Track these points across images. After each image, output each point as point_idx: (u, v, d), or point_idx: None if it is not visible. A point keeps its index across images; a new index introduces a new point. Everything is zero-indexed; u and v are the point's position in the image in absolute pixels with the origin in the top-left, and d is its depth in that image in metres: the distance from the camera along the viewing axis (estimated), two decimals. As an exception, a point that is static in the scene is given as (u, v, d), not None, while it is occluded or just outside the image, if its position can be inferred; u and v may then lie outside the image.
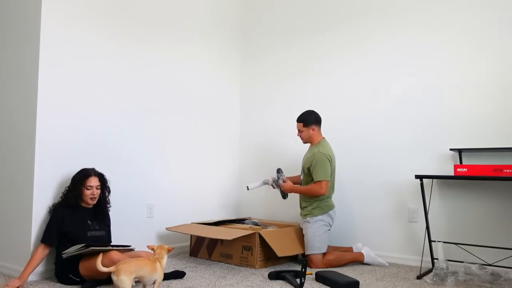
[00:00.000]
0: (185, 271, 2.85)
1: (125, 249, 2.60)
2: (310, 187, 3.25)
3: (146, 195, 3.42)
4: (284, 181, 3.37)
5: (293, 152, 3.94)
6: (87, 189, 2.70)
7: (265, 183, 3.50)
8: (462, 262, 2.95)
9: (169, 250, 2.40)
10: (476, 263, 2.79)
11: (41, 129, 2.76)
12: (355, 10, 3.71)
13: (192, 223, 3.61)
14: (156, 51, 3.54)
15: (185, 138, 3.78)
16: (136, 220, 3.33)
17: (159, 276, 2.29)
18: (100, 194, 2.77)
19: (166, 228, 3.42)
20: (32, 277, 2.66)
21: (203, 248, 3.43)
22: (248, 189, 3.50)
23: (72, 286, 2.55)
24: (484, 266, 2.78)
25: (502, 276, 2.67)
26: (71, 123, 2.92)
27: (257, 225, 3.65)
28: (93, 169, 2.79)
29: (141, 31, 3.42)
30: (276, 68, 4.17)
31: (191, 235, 3.53)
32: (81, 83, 2.99)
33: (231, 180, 4.26)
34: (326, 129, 3.53)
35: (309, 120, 3.31)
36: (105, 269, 2.15)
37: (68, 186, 2.74)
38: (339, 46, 3.78)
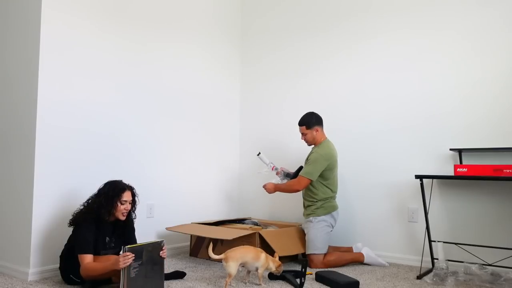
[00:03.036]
0: (185, 271, 2.85)
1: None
2: (289, 182, 3.30)
3: (146, 195, 3.41)
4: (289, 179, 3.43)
5: (293, 152, 3.94)
6: (122, 203, 2.56)
7: (271, 165, 3.50)
8: (462, 262, 2.95)
9: (277, 266, 2.63)
10: (476, 263, 2.80)
11: (41, 129, 2.76)
12: (355, 9, 3.71)
13: (192, 223, 3.62)
14: (157, 51, 3.54)
15: (185, 138, 3.79)
16: (136, 220, 3.32)
17: (261, 264, 2.57)
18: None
19: (166, 228, 3.42)
20: (31, 277, 2.67)
21: (203, 248, 3.43)
22: (258, 154, 3.54)
23: (73, 286, 2.55)
24: (484, 266, 2.78)
25: (502, 276, 2.67)
26: (71, 123, 2.92)
27: (257, 225, 3.65)
28: (122, 182, 2.63)
29: (141, 31, 3.42)
30: (277, 68, 4.17)
31: (191, 235, 3.53)
32: (81, 83, 2.99)
33: (231, 180, 4.26)
34: (326, 129, 3.53)
35: (311, 121, 3.31)
36: (216, 256, 2.50)
37: (98, 200, 2.54)
38: (339, 46, 3.78)
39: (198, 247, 3.47)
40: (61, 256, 2.61)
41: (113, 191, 2.56)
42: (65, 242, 2.65)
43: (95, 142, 3.06)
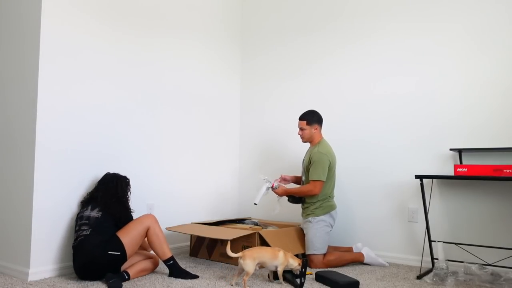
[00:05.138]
0: (198, 275, 2.83)
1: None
2: (303, 187, 3.26)
3: (146, 195, 3.42)
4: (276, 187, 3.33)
5: (293, 152, 3.94)
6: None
7: (267, 186, 3.32)
8: (462, 262, 2.95)
9: (299, 263, 2.63)
10: (476, 263, 2.80)
11: (41, 128, 2.75)
12: (357, 8, 3.71)
13: (192, 223, 3.62)
14: (157, 51, 3.54)
15: (185, 138, 3.79)
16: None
17: (281, 263, 2.59)
18: None
19: (166, 228, 3.41)
20: (31, 277, 2.67)
21: (203, 248, 3.43)
22: (256, 204, 3.32)
23: (73, 285, 2.56)
24: (484, 266, 2.78)
25: (502, 276, 2.67)
26: (70, 123, 2.92)
27: (257, 225, 3.65)
28: (115, 174, 3.02)
29: (142, 31, 3.42)
30: (277, 68, 4.17)
31: (191, 235, 3.53)
32: (81, 83, 2.99)
33: (231, 180, 4.26)
34: (326, 129, 3.53)
35: (312, 118, 3.30)
36: (234, 254, 2.57)
37: (127, 192, 2.94)
38: (340, 46, 3.78)
39: (198, 247, 3.47)
40: (90, 244, 2.56)
41: (125, 182, 2.95)
42: (65, 241, 2.66)
43: (95, 143, 3.06)
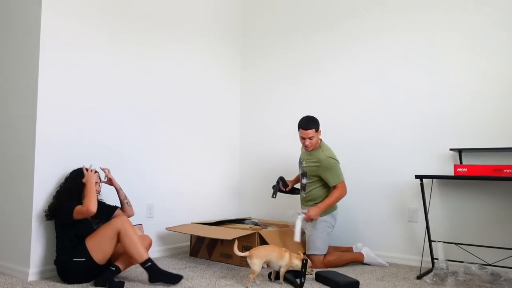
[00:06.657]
0: (182, 275, 2.63)
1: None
2: (333, 196, 3.14)
3: (146, 195, 3.42)
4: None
5: (293, 153, 3.94)
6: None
7: (301, 218, 3.08)
8: (462, 262, 2.95)
9: (303, 260, 2.63)
10: (476, 263, 2.80)
11: (41, 128, 2.76)
12: (356, 10, 3.71)
13: (192, 223, 3.62)
14: (157, 53, 3.54)
15: (185, 138, 3.79)
16: (136, 220, 3.33)
17: (285, 264, 2.62)
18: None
19: (166, 228, 3.42)
20: (31, 277, 2.67)
21: (203, 248, 3.43)
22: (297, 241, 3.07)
23: (72, 286, 2.55)
24: (484, 266, 2.78)
25: (502, 276, 2.67)
26: (71, 123, 2.92)
27: (257, 225, 3.65)
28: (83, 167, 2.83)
29: (141, 31, 3.42)
30: (277, 69, 4.17)
31: (191, 235, 3.53)
32: (81, 83, 2.99)
33: (231, 180, 4.26)
34: (327, 130, 3.52)
35: (317, 125, 3.19)
36: (241, 253, 2.59)
37: (76, 184, 2.69)
38: (340, 47, 3.78)
39: (198, 247, 3.47)
40: (58, 250, 2.61)
41: (77, 172, 2.75)
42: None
43: (95, 143, 3.06)
